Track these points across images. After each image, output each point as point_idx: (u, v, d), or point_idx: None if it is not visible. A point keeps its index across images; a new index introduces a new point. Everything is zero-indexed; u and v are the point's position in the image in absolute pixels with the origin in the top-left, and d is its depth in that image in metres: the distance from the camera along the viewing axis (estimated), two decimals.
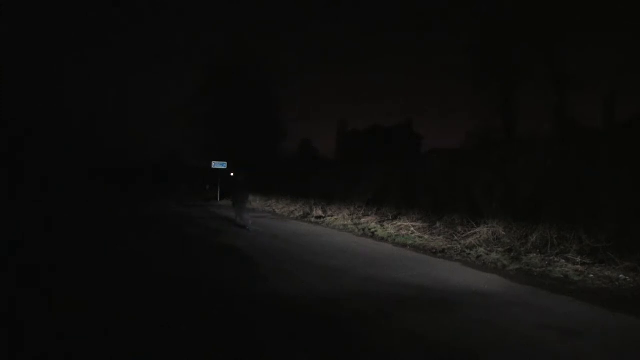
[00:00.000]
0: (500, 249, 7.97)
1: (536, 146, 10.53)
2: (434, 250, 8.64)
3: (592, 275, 6.20)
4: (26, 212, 16.21)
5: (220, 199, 26.54)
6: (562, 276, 6.32)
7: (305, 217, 15.86)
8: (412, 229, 10.87)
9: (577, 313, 4.67)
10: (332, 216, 14.95)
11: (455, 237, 9.37)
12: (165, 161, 40.87)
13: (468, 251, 8.23)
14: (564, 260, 6.90)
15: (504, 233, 8.62)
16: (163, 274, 6.25)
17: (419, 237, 10.10)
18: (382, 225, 12.06)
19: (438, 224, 10.68)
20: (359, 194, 15.96)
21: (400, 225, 11.46)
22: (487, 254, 7.81)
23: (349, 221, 13.50)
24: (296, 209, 17.61)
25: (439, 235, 9.95)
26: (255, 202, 22.62)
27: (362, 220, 13.41)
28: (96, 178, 32.47)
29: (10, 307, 4.57)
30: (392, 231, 11.13)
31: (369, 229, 11.80)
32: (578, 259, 6.81)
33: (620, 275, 6.07)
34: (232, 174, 28.91)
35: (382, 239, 10.43)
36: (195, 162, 36.38)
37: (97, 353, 3.46)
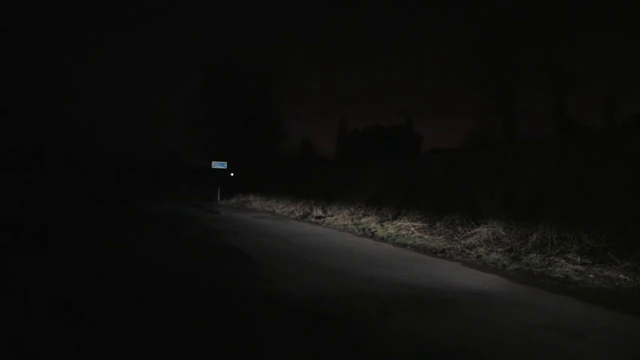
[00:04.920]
0: (500, 249, 7.97)
1: (536, 146, 10.54)
2: (434, 250, 8.64)
3: (592, 275, 6.20)
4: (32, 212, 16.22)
5: (220, 199, 26.55)
6: (562, 276, 6.33)
7: (305, 217, 15.86)
8: (412, 229, 10.87)
9: (577, 313, 4.67)
10: (332, 216, 14.95)
11: (455, 237, 9.37)
12: (166, 162, 40.83)
13: (468, 251, 8.23)
14: (564, 260, 6.90)
15: (504, 233, 8.62)
16: (163, 274, 6.25)
17: (419, 237, 10.10)
18: (382, 225, 12.06)
19: (438, 224, 10.68)
20: (359, 194, 15.97)
21: (400, 225, 11.46)
22: (487, 254, 7.81)
23: (349, 221, 13.50)
24: (296, 209, 17.61)
25: (439, 235, 9.95)
26: (256, 202, 22.62)
27: (362, 220, 13.41)
28: (93, 178, 32.48)
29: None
30: (392, 231, 11.13)
31: (369, 229, 11.80)
32: (578, 259, 6.81)
33: (620, 275, 6.07)
34: (232, 174, 28.93)
35: (382, 239, 10.43)
36: (195, 162, 36.43)
37: (97, 352, 3.46)
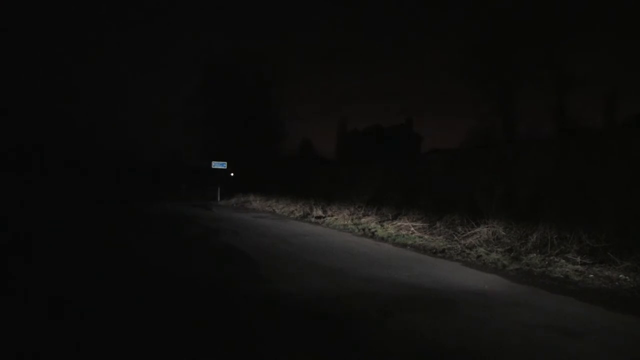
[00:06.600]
0: (500, 249, 7.97)
1: (536, 146, 10.54)
2: (434, 250, 8.64)
3: (592, 275, 6.20)
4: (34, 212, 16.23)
5: (220, 199, 26.54)
6: (562, 276, 6.33)
7: (305, 217, 15.86)
8: (412, 229, 10.87)
9: (577, 313, 4.67)
10: (332, 216, 14.95)
11: (455, 237, 9.37)
12: (166, 161, 40.83)
13: (468, 251, 8.23)
14: (564, 260, 6.90)
15: (504, 233, 8.62)
16: (163, 274, 6.25)
17: (419, 237, 10.09)
18: (382, 225, 12.06)
19: (438, 224, 10.68)
20: (359, 194, 15.97)
21: (400, 225, 11.46)
22: (487, 254, 7.81)
23: (349, 221, 13.49)
24: (296, 209, 17.61)
25: (439, 235, 9.95)
26: (256, 202, 22.62)
27: (362, 220, 13.41)
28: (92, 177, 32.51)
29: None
30: (392, 231, 11.13)
31: (369, 229, 11.80)
32: (578, 259, 6.81)
33: (620, 275, 6.07)
34: (232, 174, 28.93)
35: (382, 239, 10.43)
36: (195, 162, 36.45)
37: (98, 352, 3.47)
